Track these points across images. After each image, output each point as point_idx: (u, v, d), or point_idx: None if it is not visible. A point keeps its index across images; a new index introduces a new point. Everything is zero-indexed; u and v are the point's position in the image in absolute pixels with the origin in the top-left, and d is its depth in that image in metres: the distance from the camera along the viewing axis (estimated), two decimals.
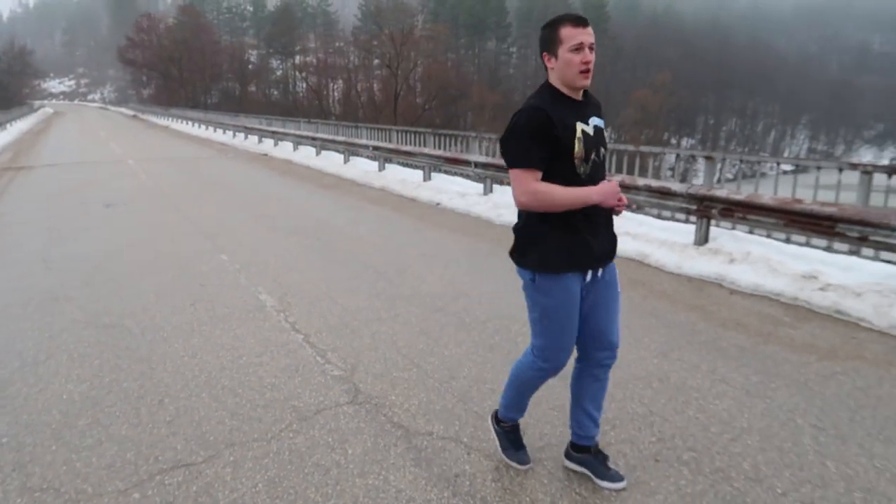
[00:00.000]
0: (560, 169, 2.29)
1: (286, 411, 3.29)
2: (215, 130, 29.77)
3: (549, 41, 2.30)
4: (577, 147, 2.27)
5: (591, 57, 2.26)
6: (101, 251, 6.88)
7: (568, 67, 2.26)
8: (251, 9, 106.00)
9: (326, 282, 5.63)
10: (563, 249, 2.34)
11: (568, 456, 2.71)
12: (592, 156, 2.32)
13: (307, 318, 4.71)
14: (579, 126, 2.28)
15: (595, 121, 2.38)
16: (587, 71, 2.26)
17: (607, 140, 2.55)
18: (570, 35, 2.25)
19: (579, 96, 2.35)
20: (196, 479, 2.71)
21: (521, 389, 2.67)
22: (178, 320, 4.68)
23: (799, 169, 7.32)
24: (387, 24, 55.74)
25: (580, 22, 2.27)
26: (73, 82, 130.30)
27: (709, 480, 2.66)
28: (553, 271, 2.36)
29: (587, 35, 2.25)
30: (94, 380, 3.70)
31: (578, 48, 2.23)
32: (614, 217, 2.48)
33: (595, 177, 2.35)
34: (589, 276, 2.40)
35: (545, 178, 2.30)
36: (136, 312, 4.87)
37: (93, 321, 4.69)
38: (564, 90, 2.32)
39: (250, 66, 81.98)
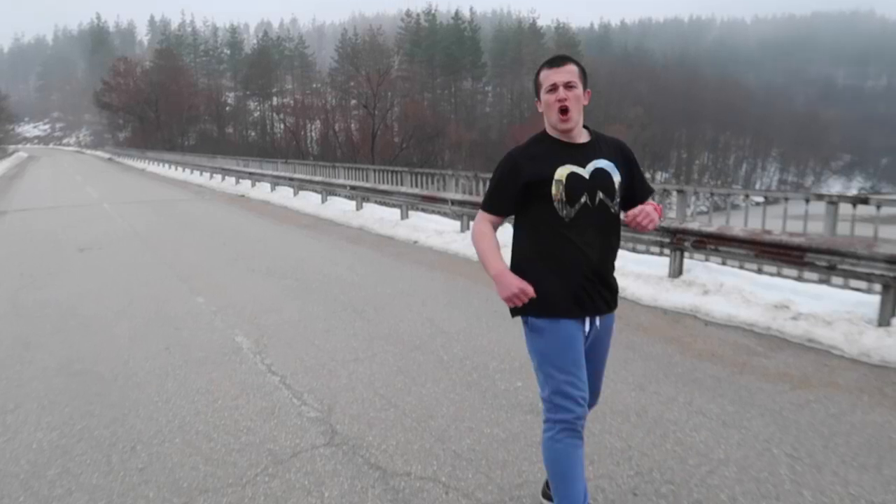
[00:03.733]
0: (540, 212, 2.29)
1: (262, 455, 3.24)
2: (192, 172, 29.70)
3: (535, 87, 2.35)
4: (555, 189, 2.25)
5: (566, 94, 2.24)
6: (74, 296, 6.78)
7: (548, 110, 2.28)
8: (228, 51, 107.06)
9: (304, 322, 5.60)
10: (552, 292, 2.27)
11: (545, 494, 2.69)
12: (583, 199, 2.26)
13: (284, 359, 4.67)
14: (564, 169, 2.25)
15: (600, 163, 2.30)
16: (565, 111, 2.24)
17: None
18: (545, 77, 2.29)
19: (575, 138, 2.32)
20: None
21: (558, 472, 2.33)
22: (151, 365, 4.61)
23: (768, 200, 7.50)
24: (363, 65, 56.60)
25: (554, 63, 2.30)
26: (47, 126, 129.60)
27: None
28: (544, 314, 2.29)
29: (559, 74, 2.25)
30: (65, 428, 3.62)
31: (552, 89, 2.25)
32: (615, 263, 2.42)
33: (587, 222, 2.27)
34: (588, 325, 2.34)
35: (529, 222, 2.33)
36: (108, 358, 4.79)
37: (64, 368, 4.61)
38: (555, 134, 2.32)
39: (227, 108, 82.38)
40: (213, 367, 4.55)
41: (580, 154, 2.30)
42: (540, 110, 2.34)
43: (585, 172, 2.28)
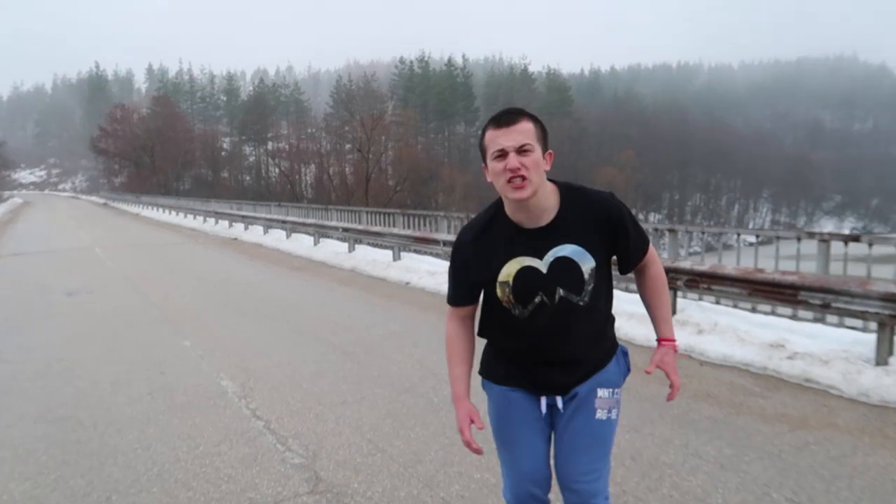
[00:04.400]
0: (492, 305, 1.95)
1: None
2: (186, 216, 29.73)
3: (481, 152, 1.84)
4: (501, 292, 1.87)
5: (519, 163, 1.71)
6: (59, 341, 6.66)
7: (496, 180, 1.77)
8: (224, 98, 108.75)
9: (292, 365, 5.49)
10: (494, 359, 2.05)
11: None
12: (537, 299, 1.85)
13: (269, 403, 4.55)
14: (514, 264, 1.84)
15: (563, 251, 1.83)
16: (520, 179, 1.72)
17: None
18: (490, 140, 1.77)
19: (534, 212, 1.82)
20: None
21: None
22: (133, 410, 4.48)
23: (761, 240, 7.50)
24: (358, 110, 57.25)
25: (501, 122, 1.76)
26: (43, 172, 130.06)
27: None
28: (483, 375, 2.08)
29: (509, 136, 1.73)
30: (39, 477, 3.48)
31: (500, 155, 1.74)
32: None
33: (546, 320, 1.87)
34: (544, 405, 1.98)
35: (485, 308, 2.02)
36: (90, 404, 4.66)
37: (44, 414, 4.47)
38: (509, 209, 1.85)
39: (223, 153, 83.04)
40: (196, 412, 4.42)
41: (538, 240, 1.83)
42: (489, 179, 1.82)
43: (543, 265, 1.83)
